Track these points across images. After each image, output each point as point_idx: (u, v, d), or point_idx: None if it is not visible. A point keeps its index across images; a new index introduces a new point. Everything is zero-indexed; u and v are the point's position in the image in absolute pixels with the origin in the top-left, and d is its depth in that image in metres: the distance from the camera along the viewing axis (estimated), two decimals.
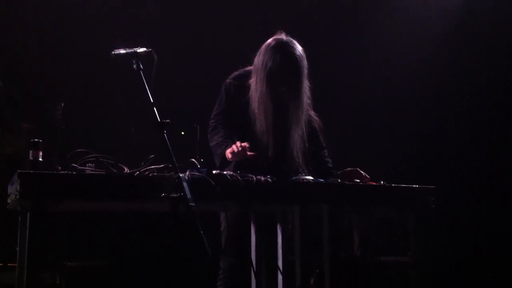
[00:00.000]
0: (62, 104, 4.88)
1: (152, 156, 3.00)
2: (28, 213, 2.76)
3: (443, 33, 6.16)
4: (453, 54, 6.21)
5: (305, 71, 3.51)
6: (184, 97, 5.66)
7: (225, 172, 3.08)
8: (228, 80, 3.70)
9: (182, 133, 5.40)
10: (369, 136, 6.09)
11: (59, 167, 2.93)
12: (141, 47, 3.12)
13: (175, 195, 2.78)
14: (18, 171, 2.71)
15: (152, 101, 2.98)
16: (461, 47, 6.21)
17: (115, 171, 2.91)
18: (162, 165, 2.98)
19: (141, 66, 3.06)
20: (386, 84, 6.15)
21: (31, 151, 2.92)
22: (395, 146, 6.10)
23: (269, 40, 3.52)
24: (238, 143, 3.38)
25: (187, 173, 2.95)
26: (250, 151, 3.38)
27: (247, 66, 3.68)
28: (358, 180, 3.43)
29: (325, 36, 6.06)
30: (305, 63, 3.50)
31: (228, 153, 3.44)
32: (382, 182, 3.38)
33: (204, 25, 6.01)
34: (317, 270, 3.34)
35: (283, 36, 3.52)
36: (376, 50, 6.12)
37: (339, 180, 3.38)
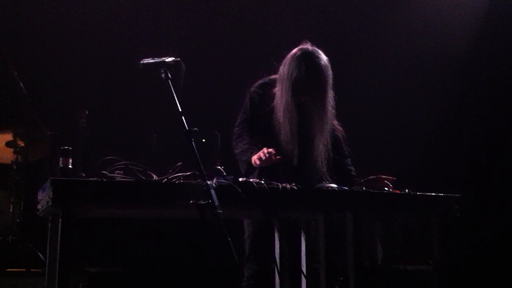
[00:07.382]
0: (86, 112, 4.93)
1: (180, 163, 3.03)
2: (60, 219, 2.79)
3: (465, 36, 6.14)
4: (477, 56, 6.17)
5: (330, 81, 3.52)
6: (205, 105, 5.70)
7: (251, 180, 3.11)
8: (252, 89, 3.72)
9: (203, 140, 5.43)
10: (390, 142, 6.09)
11: (83, 174, 2.96)
12: (169, 57, 3.14)
13: (203, 202, 2.81)
14: (51, 178, 2.72)
15: (180, 110, 3.01)
16: (485, 48, 6.17)
17: (144, 178, 2.94)
18: (189, 173, 3.01)
19: (169, 75, 3.09)
20: (406, 91, 6.15)
21: (61, 158, 2.93)
22: (415, 152, 6.09)
23: (295, 50, 3.54)
24: (265, 149, 3.40)
25: (214, 180, 2.98)
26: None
27: (271, 75, 3.70)
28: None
29: (342, 39, 6.08)
30: (329, 73, 3.51)
31: (255, 159, 3.46)
32: (406, 190, 3.39)
33: (225, 33, 6.06)
34: (341, 278, 3.35)
35: (308, 46, 3.53)
36: (400, 54, 6.11)
37: (364, 188, 3.40)
